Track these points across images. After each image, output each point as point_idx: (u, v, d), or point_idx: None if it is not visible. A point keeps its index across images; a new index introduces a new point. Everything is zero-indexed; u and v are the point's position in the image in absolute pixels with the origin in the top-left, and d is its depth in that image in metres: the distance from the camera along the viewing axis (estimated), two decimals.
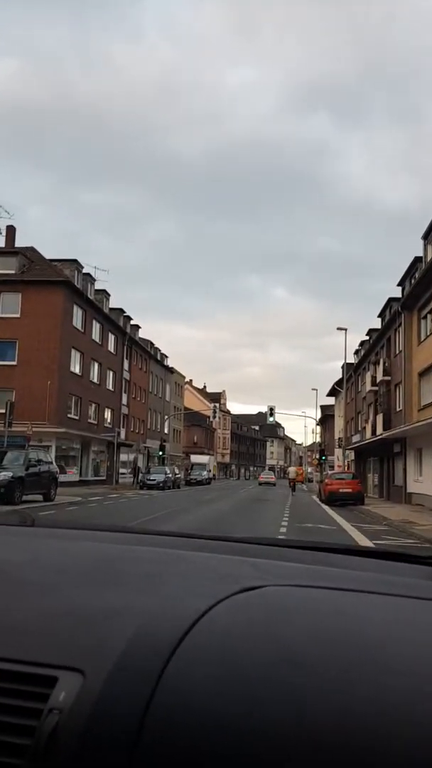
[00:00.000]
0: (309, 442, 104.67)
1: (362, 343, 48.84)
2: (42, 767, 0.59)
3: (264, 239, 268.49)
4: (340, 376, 54.80)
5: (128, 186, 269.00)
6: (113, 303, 44.85)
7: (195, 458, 68.71)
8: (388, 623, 0.76)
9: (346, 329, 38.93)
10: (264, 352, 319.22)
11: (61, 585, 0.89)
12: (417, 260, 30.35)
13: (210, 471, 66.33)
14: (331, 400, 67.46)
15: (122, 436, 44.69)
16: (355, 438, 44.11)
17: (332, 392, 62.16)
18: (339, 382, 54.80)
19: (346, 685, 0.60)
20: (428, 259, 25.93)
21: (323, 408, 74.54)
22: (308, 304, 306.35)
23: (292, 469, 52.94)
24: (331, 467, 48.77)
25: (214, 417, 57.38)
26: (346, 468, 51.81)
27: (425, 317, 28.53)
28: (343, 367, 46.49)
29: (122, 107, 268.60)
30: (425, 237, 28.84)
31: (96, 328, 39.99)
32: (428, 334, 27.46)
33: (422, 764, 0.53)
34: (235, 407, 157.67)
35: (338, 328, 39.06)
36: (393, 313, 33.26)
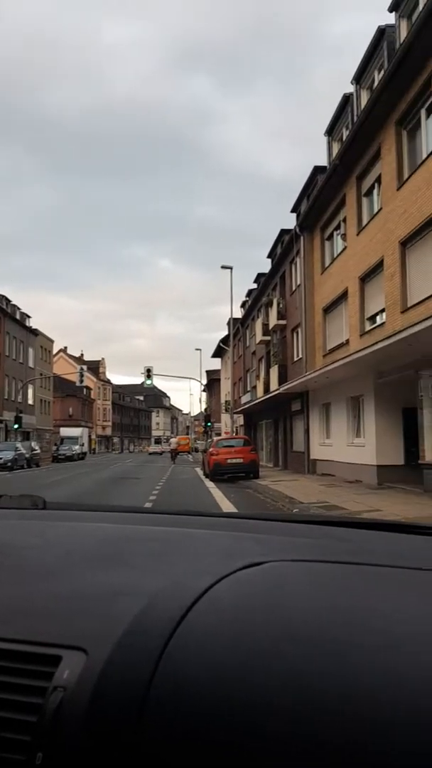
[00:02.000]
0: (196, 411, 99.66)
1: (250, 293, 42.73)
2: (48, 743, 0.61)
3: (148, 207, 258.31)
4: (227, 334, 48.93)
5: None
6: None
7: (65, 431, 60.82)
8: (393, 595, 0.75)
9: (231, 267, 32.52)
10: (151, 324, 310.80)
11: (68, 566, 0.91)
12: (318, 170, 24.21)
13: (83, 445, 58.82)
14: (217, 364, 61.64)
15: None
16: (245, 399, 38.13)
17: (218, 353, 56.21)
18: (225, 340, 48.71)
19: (350, 659, 0.60)
20: (332, 158, 19.83)
21: (209, 373, 68.77)
22: (194, 274, 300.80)
23: (173, 440, 54.43)
24: (218, 434, 42.72)
25: (81, 381, 49.55)
26: (234, 434, 46.41)
27: (330, 237, 22.46)
28: (229, 323, 40.35)
29: None
30: (329, 132, 22.66)
31: None
32: (335, 256, 21.43)
33: (428, 741, 0.51)
34: (122, 379, 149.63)
35: (222, 267, 32.57)
36: (287, 242, 27.07)
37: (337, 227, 21.38)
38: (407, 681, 0.56)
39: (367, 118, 16.34)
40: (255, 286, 39.73)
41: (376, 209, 17.47)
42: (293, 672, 0.59)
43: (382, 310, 16.84)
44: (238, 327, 44.26)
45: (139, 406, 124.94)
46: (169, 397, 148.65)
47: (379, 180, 17.22)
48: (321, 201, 21.72)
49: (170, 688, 0.60)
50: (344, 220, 20.33)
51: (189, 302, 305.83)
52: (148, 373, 40.95)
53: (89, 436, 75.05)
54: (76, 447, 53.40)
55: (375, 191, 17.86)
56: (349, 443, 19.39)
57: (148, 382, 42.83)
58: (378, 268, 17.14)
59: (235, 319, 46.01)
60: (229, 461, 21.93)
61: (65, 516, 1.41)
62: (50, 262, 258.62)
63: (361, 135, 17.24)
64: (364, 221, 18.36)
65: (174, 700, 0.59)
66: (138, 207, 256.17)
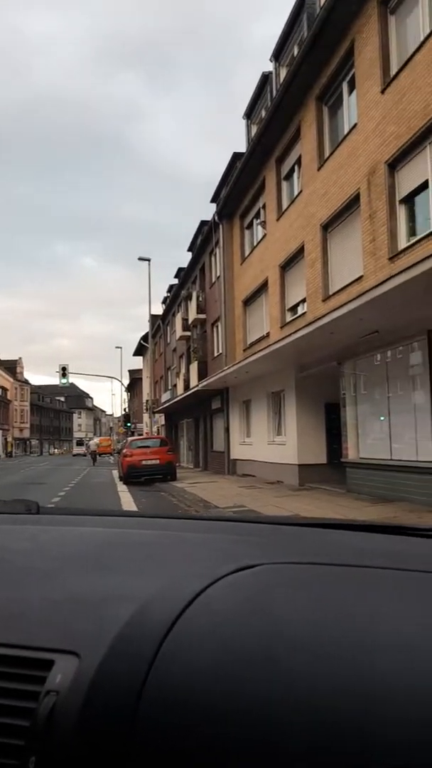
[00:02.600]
0: (120, 412, 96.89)
1: (171, 289, 41.30)
2: (41, 747, 0.61)
3: (72, 204, 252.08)
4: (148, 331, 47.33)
5: None
6: None
7: None
8: (388, 598, 0.74)
9: (149, 259, 31.01)
10: (75, 323, 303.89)
11: (61, 571, 0.91)
12: (237, 157, 23.07)
13: None
14: (140, 363, 59.83)
15: None
16: (165, 397, 36.69)
17: (140, 351, 54.41)
18: (147, 338, 47.14)
19: (344, 662, 0.59)
20: (251, 138, 18.72)
21: (132, 372, 66.88)
22: (120, 274, 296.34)
23: (93, 441, 53.05)
24: (141, 435, 41.01)
25: None
26: (156, 435, 44.88)
27: (250, 225, 21.38)
28: (149, 319, 38.77)
29: None
30: (247, 114, 21.57)
31: None
32: (255, 245, 20.35)
33: (421, 743, 0.51)
34: (43, 380, 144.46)
35: (140, 258, 31.01)
36: (207, 232, 25.85)
37: (257, 215, 20.31)
38: (403, 683, 0.56)
39: (286, 92, 15.27)
40: (177, 281, 38.37)
41: (296, 192, 16.46)
42: (287, 676, 0.59)
43: (303, 300, 15.84)
44: (159, 324, 42.78)
45: (60, 407, 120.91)
46: (92, 398, 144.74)
47: (299, 161, 16.22)
48: (239, 186, 20.59)
49: (162, 692, 0.60)
50: (264, 207, 19.27)
51: (115, 301, 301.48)
52: (63, 371, 38.86)
53: (5, 439, 71.46)
54: None
55: (295, 174, 16.86)
56: (269, 441, 18.32)
57: (63, 380, 40.62)
58: (299, 254, 16.14)
59: (156, 316, 44.52)
60: (144, 463, 20.46)
61: (58, 521, 1.42)
62: None
63: (280, 113, 16.18)
64: (284, 206, 17.33)
65: (166, 705, 0.59)
66: (60, 204, 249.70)
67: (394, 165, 11.31)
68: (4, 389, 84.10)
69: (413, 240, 10.59)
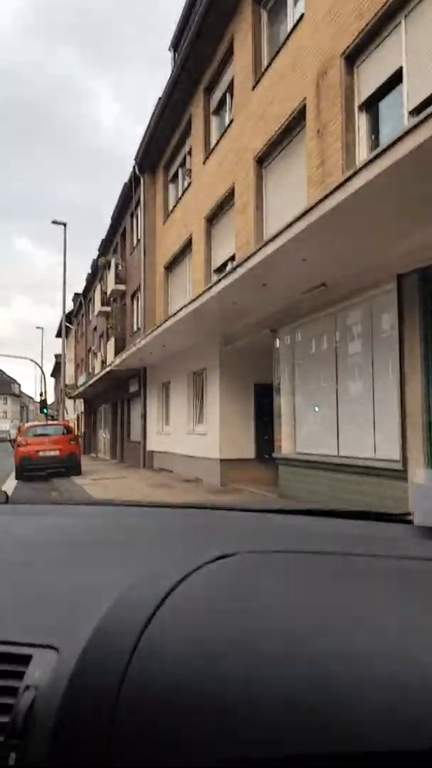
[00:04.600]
0: (51, 399, 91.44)
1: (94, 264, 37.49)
2: (21, 743, 0.60)
3: (2, 183, 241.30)
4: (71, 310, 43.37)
5: None
6: None
7: None
8: (365, 584, 0.74)
9: (65, 224, 27.24)
10: (5, 306, 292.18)
11: (36, 563, 0.90)
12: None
13: None
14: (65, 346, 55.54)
15: None
16: (81, 380, 33.04)
17: (64, 333, 50.21)
18: (69, 317, 43.23)
19: (322, 648, 0.59)
20: (175, 67, 15.47)
21: (58, 357, 62.53)
22: (57, 258, 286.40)
23: (11, 428, 49.75)
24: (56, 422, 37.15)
25: None
26: (77, 424, 41.11)
27: (175, 177, 18.14)
28: (71, 299, 34.91)
29: None
30: (174, 46, 18.28)
31: None
32: (179, 197, 17.15)
33: (401, 727, 0.51)
34: None
35: (54, 222, 27.20)
36: (126, 190, 22.39)
37: (182, 163, 17.13)
38: (379, 667, 0.56)
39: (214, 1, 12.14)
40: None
41: (227, 123, 13.37)
42: (268, 662, 0.59)
43: (233, 258, 12.80)
44: (81, 301, 39.02)
45: None
46: (19, 384, 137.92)
47: (231, 88, 13.14)
48: (163, 128, 17.30)
49: (143, 684, 0.59)
50: (190, 153, 16.11)
51: (52, 285, 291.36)
52: None
53: None
54: None
55: (227, 104, 13.77)
56: (189, 431, 15.25)
57: None
58: (228, 200, 13.08)
59: (78, 294, 40.67)
60: (41, 454, 17.05)
61: (29, 510, 1.38)
62: None
63: (208, 26, 13.04)
64: (213, 143, 14.21)
65: (147, 697, 0.58)
66: None
67: (353, 58, 8.37)
68: None
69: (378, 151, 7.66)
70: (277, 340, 10.45)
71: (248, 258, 7.83)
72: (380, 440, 7.72)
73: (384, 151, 5.26)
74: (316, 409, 9.48)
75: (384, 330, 7.59)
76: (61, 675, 0.62)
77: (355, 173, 5.63)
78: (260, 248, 7.38)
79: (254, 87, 11.51)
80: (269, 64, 10.92)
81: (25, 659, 0.66)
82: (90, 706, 0.59)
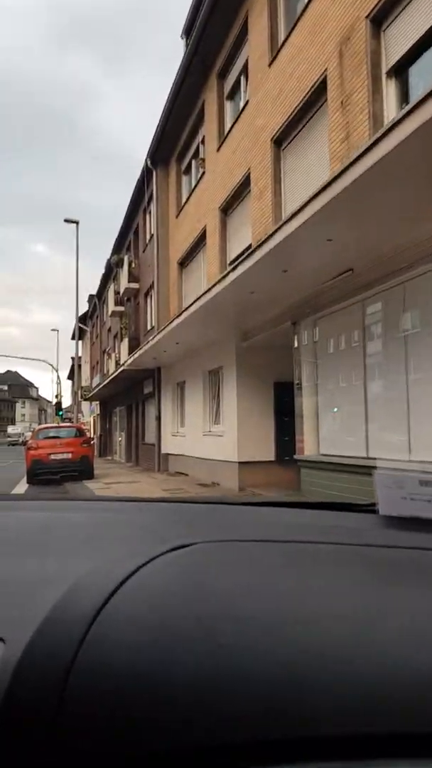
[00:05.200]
0: (67, 402, 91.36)
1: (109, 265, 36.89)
2: None
3: (21, 188, 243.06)
4: (85, 311, 42.89)
5: None
6: None
7: None
8: (323, 571, 0.74)
9: (77, 222, 26.71)
10: (24, 312, 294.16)
11: None
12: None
13: None
14: (81, 349, 55.23)
15: None
16: (96, 382, 32.47)
17: (80, 335, 49.86)
18: (84, 319, 42.81)
19: (279, 635, 0.59)
20: (187, 52, 14.79)
21: (75, 360, 62.22)
22: (74, 262, 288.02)
23: (24, 431, 46.43)
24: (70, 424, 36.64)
25: None
26: (93, 426, 40.62)
27: (189, 169, 17.47)
28: (86, 300, 34.51)
29: None
30: (186, 32, 17.61)
31: None
32: (193, 188, 16.46)
33: (354, 710, 0.51)
34: None
35: (66, 221, 26.68)
36: (139, 185, 21.77)
37: (196, 153, 16.45)
38: (337, 655, 0.56)
39: None
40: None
41: (242, 106, 12.65)
42: (223, 650, 0.58)
43: (249, 248, 12.07)
44: (95, 302, 38.51)
45: (2, 396, 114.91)
46: (37, 388, 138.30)
47: (245, 69, 12.44)
48: (175, 117, 16.64)
49: (93, 672, 0.59)
50: (203, 142, 15.42)
51: (68, 290, 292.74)
52: None
53: None
54: None
55: (241, 87, 13.06)
56: (205, 432, 14.54)
57: None
58: (244, 188, 12.37)
59: (92, 296, 40.14)
60: (52, 457, 16.48)
61: None
62: None
63: (221, 7, 12.35)
64: (227, 128, 13.51)
65: (96, 685, 0.58)
66: (8, 187, 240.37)
67: (379, 20, 7.60)
68: None
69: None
70: (298, 334, 9.70)
71: (267, 239, 7.09)
72: (416, 441, 6.94)
73: (420, 103, 4.50)
74: (338, 408, 8.71)
75: (419, 318, 6.80)
76: (6, 667, 0.60)
77: (386, 134, 4.88)
78: (280, 226, 6.64)
79: (271, 63, 10.78)
80: (286, 38, 10.18)
81: None
82: (36, 696, 0.57)
